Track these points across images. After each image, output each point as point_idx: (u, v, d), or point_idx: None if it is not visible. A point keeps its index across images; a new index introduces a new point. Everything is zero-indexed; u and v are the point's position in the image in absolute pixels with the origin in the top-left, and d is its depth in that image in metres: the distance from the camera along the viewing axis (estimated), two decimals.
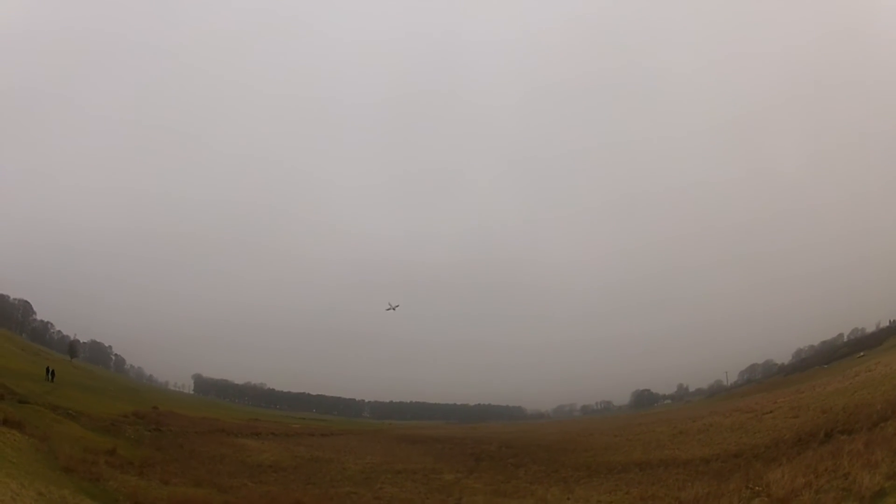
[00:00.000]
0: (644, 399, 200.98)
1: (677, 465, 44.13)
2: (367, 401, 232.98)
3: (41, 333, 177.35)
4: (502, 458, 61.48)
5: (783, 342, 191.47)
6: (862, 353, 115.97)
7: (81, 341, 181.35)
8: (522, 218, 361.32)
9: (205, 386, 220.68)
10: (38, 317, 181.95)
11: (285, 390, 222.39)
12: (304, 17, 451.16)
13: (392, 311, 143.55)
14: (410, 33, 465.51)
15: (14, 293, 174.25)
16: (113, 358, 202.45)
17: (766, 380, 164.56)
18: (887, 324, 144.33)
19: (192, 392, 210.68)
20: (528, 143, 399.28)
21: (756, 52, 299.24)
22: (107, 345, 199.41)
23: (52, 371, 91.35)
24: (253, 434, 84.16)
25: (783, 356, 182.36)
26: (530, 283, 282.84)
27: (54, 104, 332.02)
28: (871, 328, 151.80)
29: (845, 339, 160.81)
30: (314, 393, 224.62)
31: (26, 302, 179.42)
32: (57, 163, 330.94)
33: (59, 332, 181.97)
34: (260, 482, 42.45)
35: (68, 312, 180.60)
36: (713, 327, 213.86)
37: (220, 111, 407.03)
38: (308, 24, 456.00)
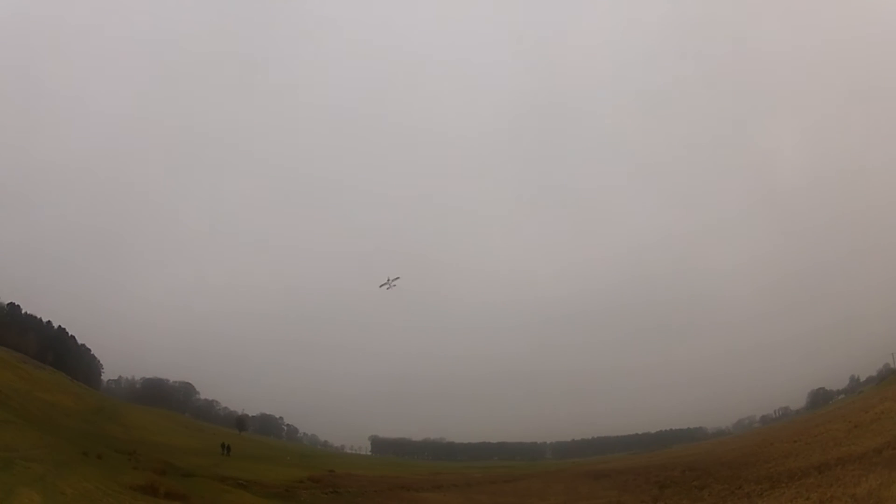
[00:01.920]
0: (819, 398, 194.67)
1: (853, 461, 43.92)
2: (548, 442, 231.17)
3: (206, 411, 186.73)
4: (686, 481, 62.38)
5: None
6: None
7: (250, 415, 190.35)
8: (665, 232, 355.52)
9: (382, 446, 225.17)
10: (202, 396, 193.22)
11: (465, 441, 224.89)
12: (400, 51, 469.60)
13: (389, 286, 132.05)
14: (512, 54, 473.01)
15: (175, 377, 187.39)
16: (285, 428, 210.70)
17: None
18: None
19: (369, 453, 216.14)
20: (653, 150, 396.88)
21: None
22: (277, 416, 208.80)
23: (228, 446, 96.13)
24: (434, 487, 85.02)
25: None
26: (686, 296, 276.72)
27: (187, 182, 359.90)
28: None
29: None
30: (494, 441, 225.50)
31: (188, 384, 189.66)
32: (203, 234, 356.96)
33: (226, 408, 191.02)
34: None
35: (233, 390, 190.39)
36: (874, 315, 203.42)
37: (355, 160, 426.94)
38: (405, 58, 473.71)
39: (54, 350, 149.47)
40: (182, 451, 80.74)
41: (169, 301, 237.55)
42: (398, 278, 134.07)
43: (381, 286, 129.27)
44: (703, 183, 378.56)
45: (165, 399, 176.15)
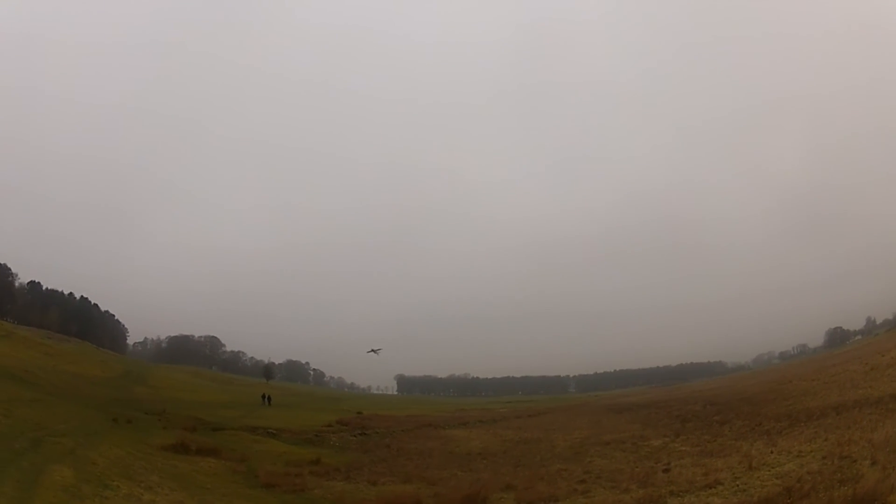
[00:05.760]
0: (837, 337, 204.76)
1: (870, 405, 43.97)
2: (571, 376, 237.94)
3: (233, 363, 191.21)
4: (707, 416, 62.79)
5: None
6: None
7: (277, 363, 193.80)
8: (682, 177, 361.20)
9: (408, 385, 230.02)
10: (228, 348, 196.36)
11: (489, 377, 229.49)
12: (398, 24, 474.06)
13: (374, 353, 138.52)
14: (517, 27, 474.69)
15: (200, 333, 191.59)
16: (311, 373, 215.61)
17: None
18: None
19: (395, 393, 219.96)
20: (688, 111, 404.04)
21: None
22: (303, 362, 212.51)
23: (269, 396, 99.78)
24: (460, 424, 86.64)
25: None
26: (703, 241, 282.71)
27: (203, 142, 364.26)
28: None
29: None
30: (518, 375, 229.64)
31: (213, 337, 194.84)
32: (211, 193, 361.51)
33: (252, 358, 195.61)
34: (470, 470, 43.16)
35: (258, 341, 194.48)
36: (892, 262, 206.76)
37: (352, 125, 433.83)
38: (405, 30, 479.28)
39: (78, 321, 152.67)
40: (211, 406, 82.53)
41: (186, 266, 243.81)
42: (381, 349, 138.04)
43: (367, 352, 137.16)
44: (722, 130, 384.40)
45: (192, 354, 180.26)
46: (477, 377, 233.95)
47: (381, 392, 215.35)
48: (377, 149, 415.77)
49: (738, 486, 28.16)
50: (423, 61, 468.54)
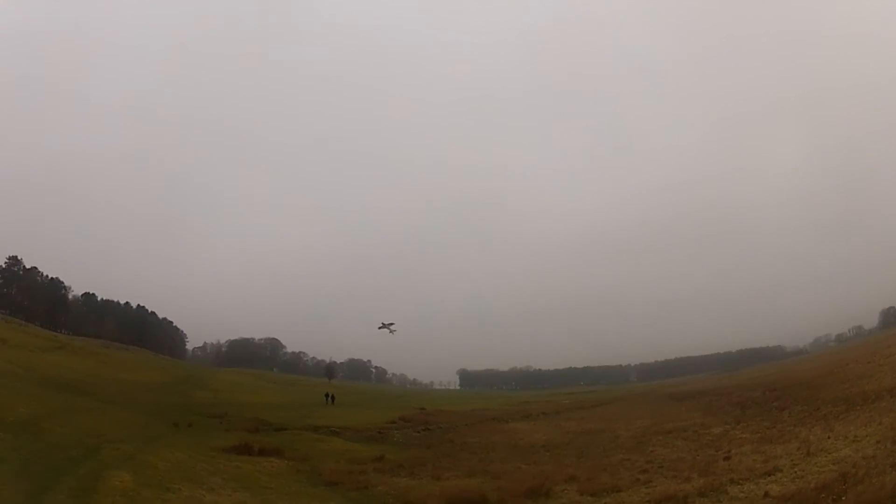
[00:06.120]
0: (891, 318, 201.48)
1: None
2: (632, 365, 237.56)
3: (294, 364, 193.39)
4: (766, 402, 61.94)
5: None
6: None
7: (338, 362, 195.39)
8: (734, 169, 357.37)
9: (471, 379, 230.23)
10: (289, 350, 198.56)
11: (551, 369, 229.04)
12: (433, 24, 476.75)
13: (387, 329, 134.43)
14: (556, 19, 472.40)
15: (261, 336, 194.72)
16: (373, 371, 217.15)
17: None
18: None
19: (458, 388, 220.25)
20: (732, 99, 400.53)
21: None
22: (365, 360, 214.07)
23: (332, 395, 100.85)
24: (523, 417, 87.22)
25: None
26: (756, 230, 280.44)
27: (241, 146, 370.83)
28: None
29: None
30: (580, 366, 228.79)
31: (274, 339, 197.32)
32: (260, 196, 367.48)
33: (313, 358, 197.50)
34: (533, 463, 43.06)
35: (319, 340, 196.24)
36: None
37: (404, 128, 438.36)
38: (440, 27, 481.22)
39: (135, 329, 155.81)
40: (272, 407, 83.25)
41: (245, 270, 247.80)
42: (392, 324, 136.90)
43: (379, 328, 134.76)
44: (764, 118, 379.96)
45: (253, 357, 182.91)
46: (539, 369, 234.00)
47: (443, 388, 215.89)
48: (421, 148, 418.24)
49: (796, 472, 28.15)
50: (449, 58, 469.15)
